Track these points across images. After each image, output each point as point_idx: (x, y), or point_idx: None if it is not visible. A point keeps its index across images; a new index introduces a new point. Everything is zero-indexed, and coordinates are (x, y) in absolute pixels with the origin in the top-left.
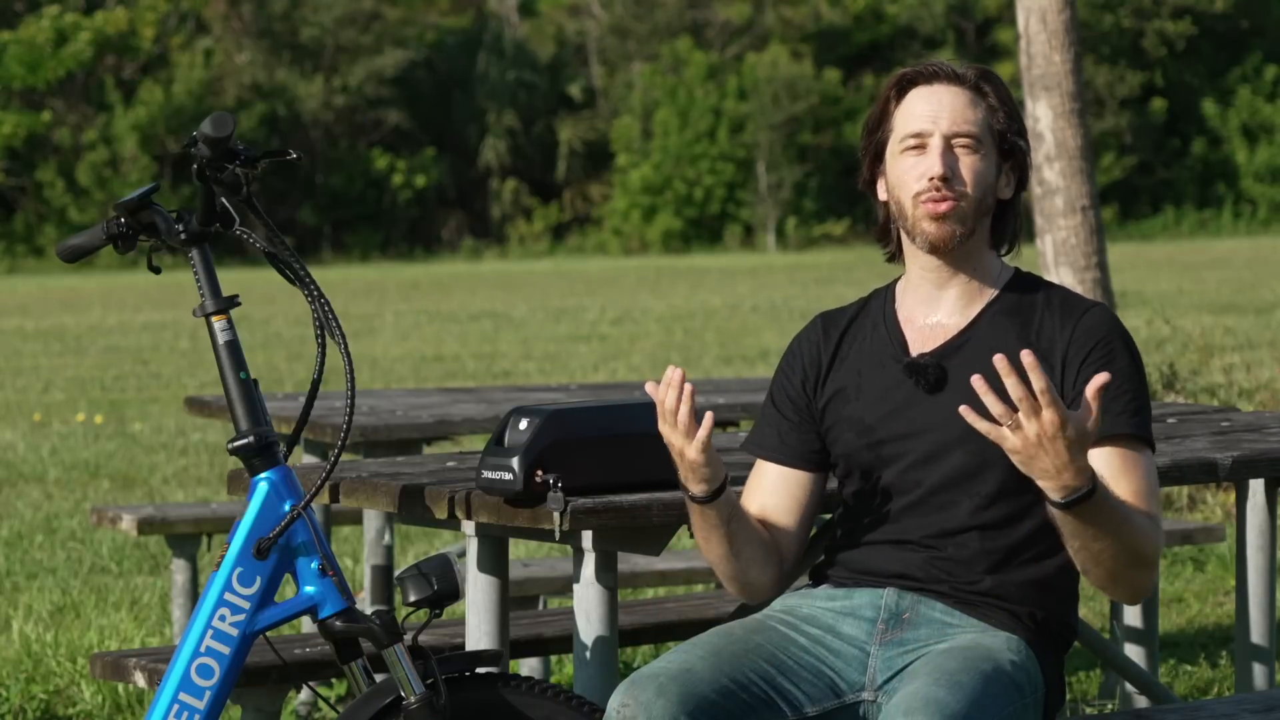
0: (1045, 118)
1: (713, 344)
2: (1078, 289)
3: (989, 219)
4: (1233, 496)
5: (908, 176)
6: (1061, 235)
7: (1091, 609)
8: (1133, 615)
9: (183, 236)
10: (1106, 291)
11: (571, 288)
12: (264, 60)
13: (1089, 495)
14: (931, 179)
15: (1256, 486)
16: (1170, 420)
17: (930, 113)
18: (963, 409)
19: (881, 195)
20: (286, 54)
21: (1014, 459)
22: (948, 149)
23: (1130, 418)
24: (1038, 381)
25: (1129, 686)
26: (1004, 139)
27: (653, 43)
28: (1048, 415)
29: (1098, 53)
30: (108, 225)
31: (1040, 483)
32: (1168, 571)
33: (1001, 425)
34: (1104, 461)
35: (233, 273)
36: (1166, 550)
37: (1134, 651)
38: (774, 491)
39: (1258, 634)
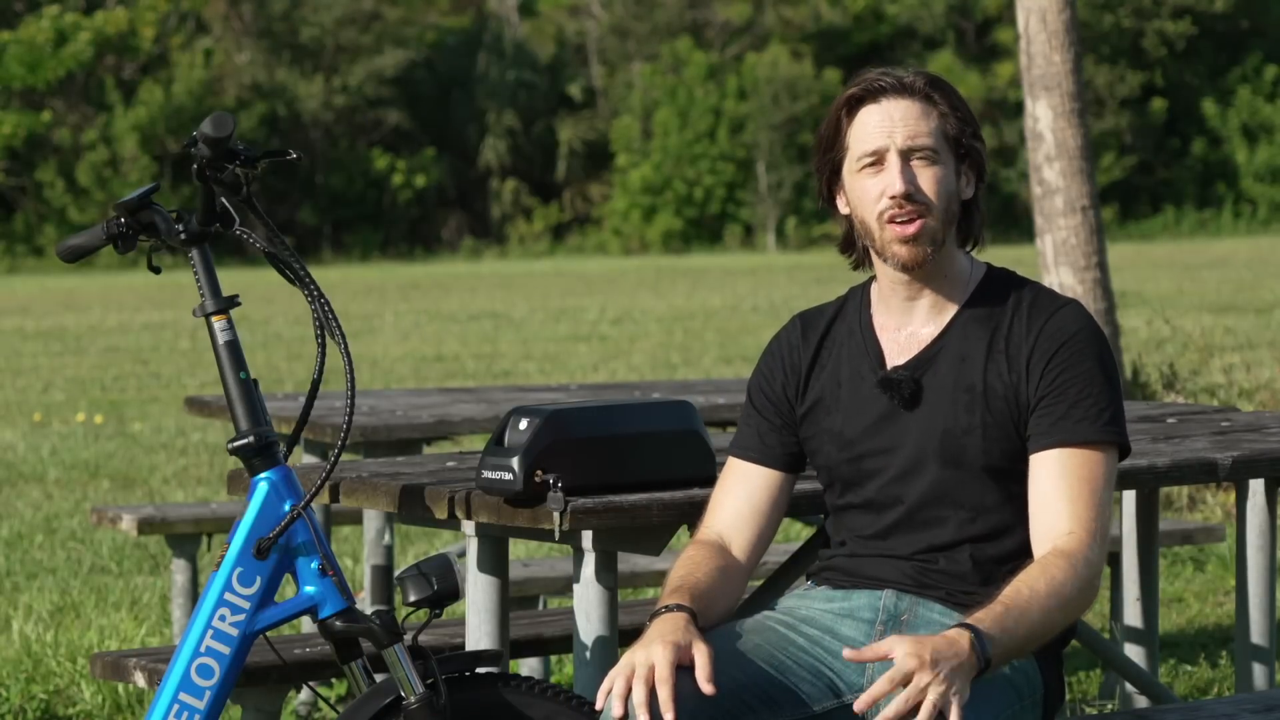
0: (1045, 118)
1: (713, 344)
2: (1078, 289)
3: (955, 223)
4: (1233, 496)
5: (868, 196)
6: (1061, 235)
7: (1091, 609)
8: (1133, 615)
9: (183, 236)
10: (1106, 291)
11: (571, 288)
12: (264, 60)
13: (987, 667)
14: (893, 197)
15: (1256, 486)
16: (1170, 420)
17: (884, 129)
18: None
19: (842, 209)
20: (286, 54)
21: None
22: (906, 164)
23: (1091, 424)
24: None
25: (1129, 686)
26: (959, 144)
27: (653, 43)
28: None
29: (1098, 53)
30: (108, 225)
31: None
32: (1168, 571)
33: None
34: (1058, 468)
35: (233, 273)
36: (1166, 550)
37: (1134, 651)
38: (750, 493)
39: (1258, 634)
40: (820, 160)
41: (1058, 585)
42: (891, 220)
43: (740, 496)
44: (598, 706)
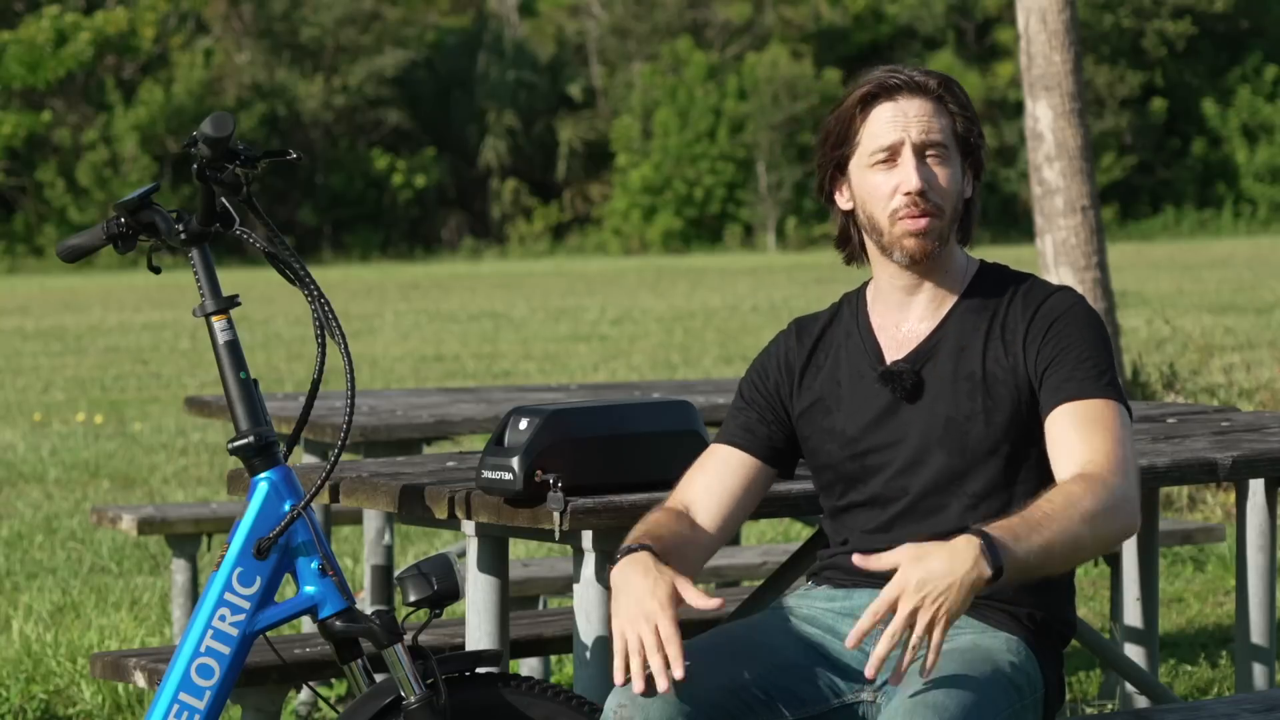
0: (1045, 118)
1: (713, 344)
2: (1078, 289)
3: (959, 221)
4: (1233, 496)
5: (879, 192)
6: (1061, 235)
7: (1091, 609)
8: (1133, 615)
9: (183, 236)
10: (1106, 291)
11: (571, 288)
12: (264, 60)
13: (999, 575)
14: (909, 193)
15: (1256, 486)
16: (1170, 420)
17: (899, 124)
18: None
19: (842, 205)
20: (286, 54)
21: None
22: (920, 161)
23: (1094, 383)
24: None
25: (1129, 686)
26: (967, 143)
27: (653, 43)
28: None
29: (1098, 53)
30: (108, 225)
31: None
32: (1168, 571)
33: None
34: (1070, 419)
35: (233, 273)
36: (1166, 550)
37: (1134, 651)
38: (721, 472)
39: (1258, 634)
40: (826, 155)
41: (1075, 499)
42: (904, 218)
43: (711, 472)
44: (617, 682)
